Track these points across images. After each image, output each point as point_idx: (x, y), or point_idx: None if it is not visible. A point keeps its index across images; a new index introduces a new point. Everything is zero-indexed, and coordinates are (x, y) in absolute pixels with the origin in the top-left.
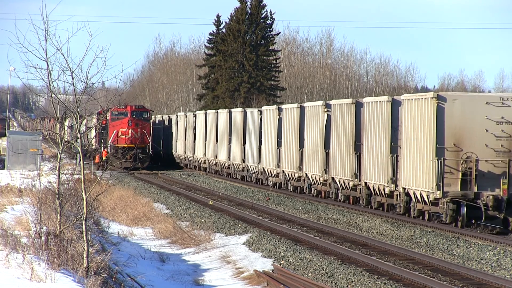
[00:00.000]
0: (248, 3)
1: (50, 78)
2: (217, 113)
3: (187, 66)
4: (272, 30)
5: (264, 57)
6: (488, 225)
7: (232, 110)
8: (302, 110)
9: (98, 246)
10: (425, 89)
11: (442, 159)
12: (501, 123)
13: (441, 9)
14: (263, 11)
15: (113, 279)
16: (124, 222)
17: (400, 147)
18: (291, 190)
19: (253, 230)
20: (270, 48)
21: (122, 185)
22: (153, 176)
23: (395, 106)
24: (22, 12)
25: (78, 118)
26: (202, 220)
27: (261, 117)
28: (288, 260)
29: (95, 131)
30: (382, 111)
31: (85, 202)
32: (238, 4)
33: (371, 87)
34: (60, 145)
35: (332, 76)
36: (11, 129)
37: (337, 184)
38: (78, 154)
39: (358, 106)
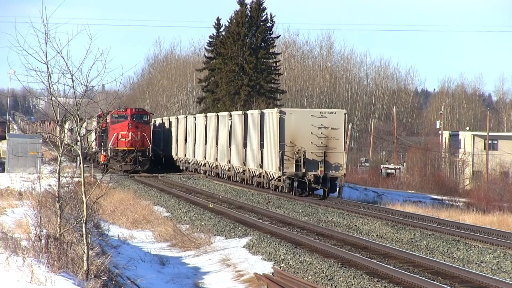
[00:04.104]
0: (248, 6)
1: (50, 81)
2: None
3: (187, 69)
4: (272, 33)
5: (264, 60)
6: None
7: (179, 116)
8: (217, 117)
9: (98, 249)
10: (425, 92)
11: (282, 151)
12: (321, 128)
13: (442, 12)
14: (263, 14)
15: (113, 282)
16: (124, 225)
17: (264, 144)
18: (214, 175)
19: (253, 233)
20: (270, 51)
21: (122, 188)
22: (153, 179)
23: (262, 116)
24: (22, 15)
25: (78, 121)
26: (202, 223)
27: (196, 122)
28: (288, 263)
29: (95, 134)
30: (256, 120)
31: (85, 205)
32: (238, 7)
33: (371, 90)
34: (60, 148)
35: (332, 79)
36: (11, 132)
37: (236, 170)
38: (78, 157)
39: (245, 116)
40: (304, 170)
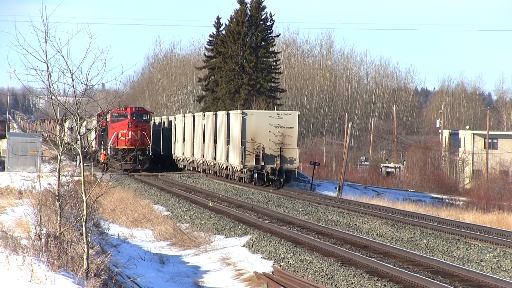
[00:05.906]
0: (248, 5)
1: (50, 80)
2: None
3: (187, 68)
4: (272, 32)
5: (264, 59)
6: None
7: (162, 117)
8: (193, 117)
9: (98, 247)
10: (425, 91)
11: (244, 147)
12: (278, 127)
13: (442, 11)
14: (263, 13)
15: (113, 281)
16: (124, 223)
17: (229, 141)
18: (191, 169)
19: (253, 232)
20: (270, 49)
21: (122, 187)
22: (153, 178)
23: (229, 117)
24: (22, 14)
25: (78, 119)
26: (202, 221)
27: (175, 122)
28: (288, 261)
29: (95, 132)
30: (223, 120)
31: (85, 204)
32: (238, 6)
33: (371, 89)
34: (60, 147)
35: (332, 78)
36: (11, 131)
37: (208, 164)
38: (78, 156)
39: (216, 116)
40: (263, 164)
